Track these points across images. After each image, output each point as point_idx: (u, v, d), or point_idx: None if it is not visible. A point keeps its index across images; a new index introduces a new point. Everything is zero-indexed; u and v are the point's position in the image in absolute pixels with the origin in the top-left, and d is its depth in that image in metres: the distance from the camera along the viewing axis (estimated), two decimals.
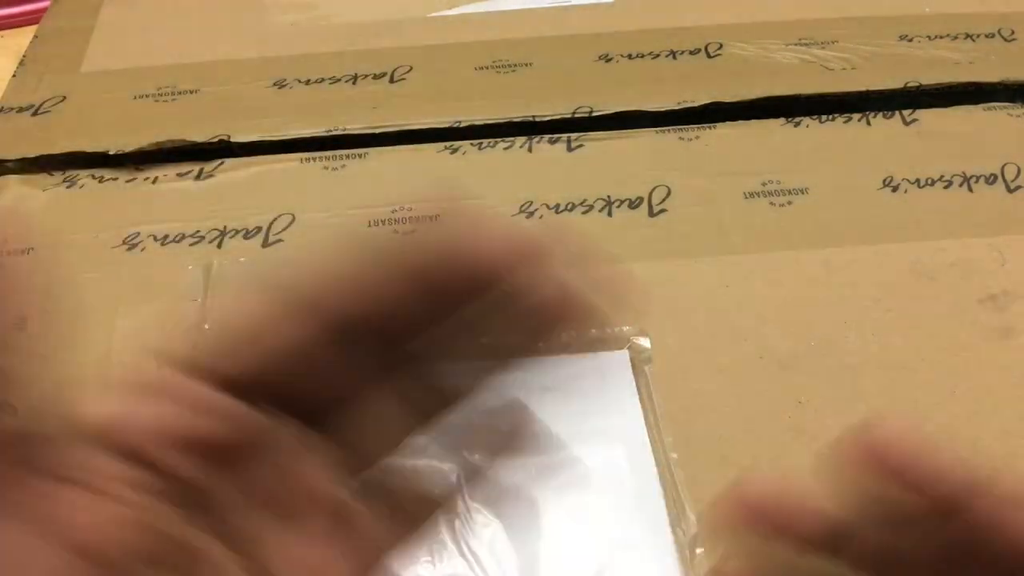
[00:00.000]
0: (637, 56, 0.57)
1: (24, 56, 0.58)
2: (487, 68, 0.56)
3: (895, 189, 0.49)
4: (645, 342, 0.42)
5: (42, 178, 0.50)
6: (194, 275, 0.45)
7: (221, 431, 0.18)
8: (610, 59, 0.56)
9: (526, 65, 0.56)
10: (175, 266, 0.45)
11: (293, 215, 0.48)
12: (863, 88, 0.54)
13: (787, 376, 0.41)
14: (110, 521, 0.14)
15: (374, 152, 0.51)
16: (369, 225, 0.47)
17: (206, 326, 0.43)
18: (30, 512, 0.14)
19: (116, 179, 0.50)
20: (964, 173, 0.50)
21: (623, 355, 0.42)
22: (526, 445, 0.21)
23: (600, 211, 0.48)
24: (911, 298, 0.44)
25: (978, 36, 0.58)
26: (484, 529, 0.36)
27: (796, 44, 0.57)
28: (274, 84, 0.55)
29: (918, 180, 0.49)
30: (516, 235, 0.17)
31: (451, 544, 0.36)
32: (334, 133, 0.52)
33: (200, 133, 0.51)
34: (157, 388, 0.18)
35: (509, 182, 0.49)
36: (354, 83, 0.55)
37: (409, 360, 0.19)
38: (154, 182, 0.50)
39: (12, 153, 0.51)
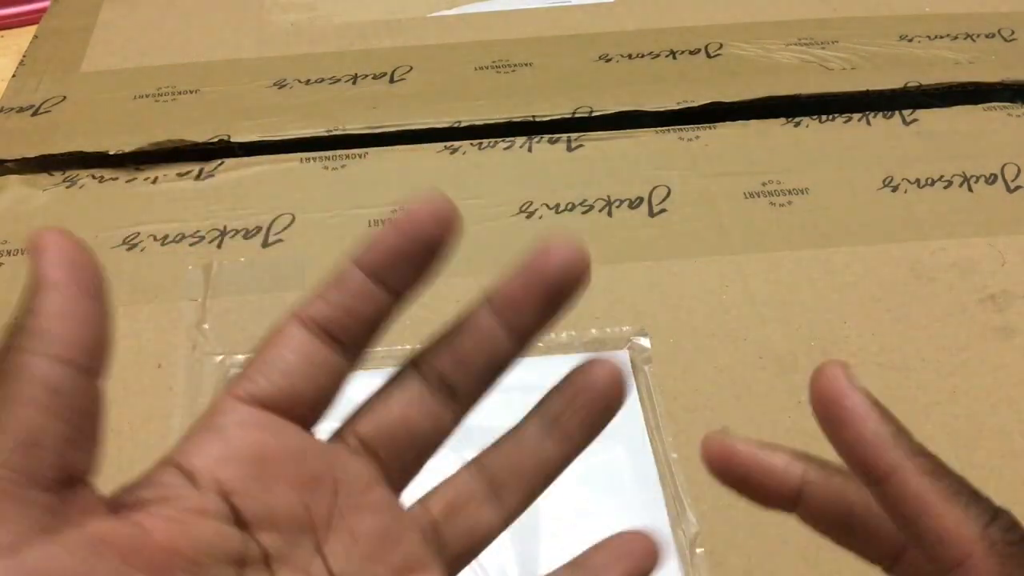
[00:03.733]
0: (637, 56, 0.57)
1: (24, 56, 0.58)
2: (487, 68, 0.56)
3: (895, 189, 0.49)
4: (645, 342, 0.42)
5: (42, 178, 0.50)
6: (194, 275, 0.45)
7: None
8: (610, 59, 0.56)
9: (526, 65, 0.56)
10: (175, 266, 0.45)
11: (293, 215, 0.48)
12: (863, 88, 0.54)
13: (787, 376, 0.41)
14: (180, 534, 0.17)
15: (374, 152, 0.51)
16: (369, 225, 0.47)
17: (206, 326, 0.43)
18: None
19: (116, 179, 0.50)
20: (964, 173, 0.50)
21: (623, 355, 0.42)
22: None
23: (600, 211, 0.48)
24: (911, 298, 0.44)
25: (978, 36, 0.58)
26: None
27: (796, 44, 0.57)
28: (274, 84, 0.55)
29: (918, 180, 0.49)
30: None
31: None
32: (334, 133, 0.52)
33: (200, 133, 0.51)
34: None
35: (509, 182, 0.49)
36: (354, 83, 0.55)
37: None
38: (154, 182, 0.50)
39: (12, 153, 0.51)
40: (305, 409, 0.19)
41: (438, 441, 0.21)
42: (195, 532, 0.17)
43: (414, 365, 0.21)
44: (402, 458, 0.21)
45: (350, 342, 0.20)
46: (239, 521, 0.18)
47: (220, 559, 0.17)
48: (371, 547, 0.19)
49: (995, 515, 0.18)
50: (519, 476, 0.21)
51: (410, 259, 0.19)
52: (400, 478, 0.21)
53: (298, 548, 0.19)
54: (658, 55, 0.57)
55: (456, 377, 0.20)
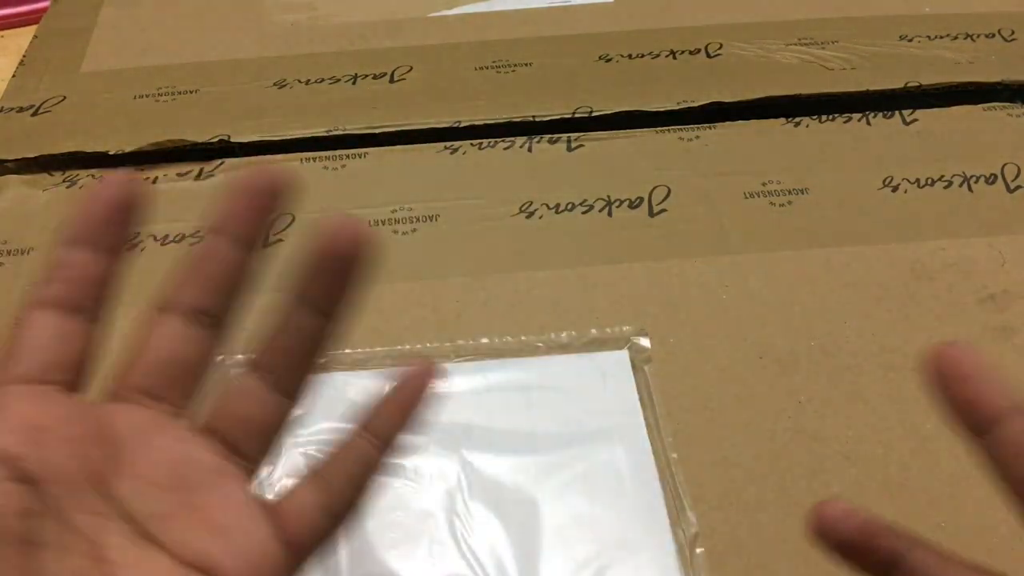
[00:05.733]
0: (637, 56, 0.57)
1: (24, 56, 0.58)
2: (487, 68, 0.56)
3: (895, 189, 0.49)
4: (645, 342, 0.42)
5: (42, 178, 0.50)
6: None
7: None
8: (610, 59, 0.56)
9: (526, 65, 0.56)
10: (175, 266, 0.45)
11: (293, 215, 0.48)
12: (863, 88, 0.54)
13: (787, 376, 0.41)
14: None
15: (374, 152, 0.51)
16: (369, 225, 0.47)
17: None
18: None
19: None
20: (964, 173, 0.50)
21: (623, 355, 0.42)
22: None
23: (600, 211, 0.48)
24: (911, 298, 0.44)
25: (978, 36, 0.58)
26: (484, 529, 0.36)
27: (796, 44, 0.57)
28: (274, 84, 0.55)
29: (918, 180, 0.49)
30: None
31: (451, 544, 0.36)
32: (334, 133, 0.52)
33: (200, 133, 0.51)
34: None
35: (509, 182, 0.49)
36: (354, 83, 0.55)
37: None
38: (154, 182, 0.50)
39: (12, 153, 0.51)
40: (66, 376, 0.22)
41: (208, 362, 0.24)
42: None
43: (163, 310, 0.24)
44: (180, 389, 0.23)
45: (89, 309, 0.23)
46: (25, 479, 0.20)
47: (6, 513, 0.19)
48: (163, 479, 0.22)
49: None
50: (288, 356, 0.24)
51: (110, 227, 0.23)
52: (185, 407, 0.23)
53: (87, 496, 0.21)
54: (658, 55, 0.57)
55: (208, 302, 0.24)
